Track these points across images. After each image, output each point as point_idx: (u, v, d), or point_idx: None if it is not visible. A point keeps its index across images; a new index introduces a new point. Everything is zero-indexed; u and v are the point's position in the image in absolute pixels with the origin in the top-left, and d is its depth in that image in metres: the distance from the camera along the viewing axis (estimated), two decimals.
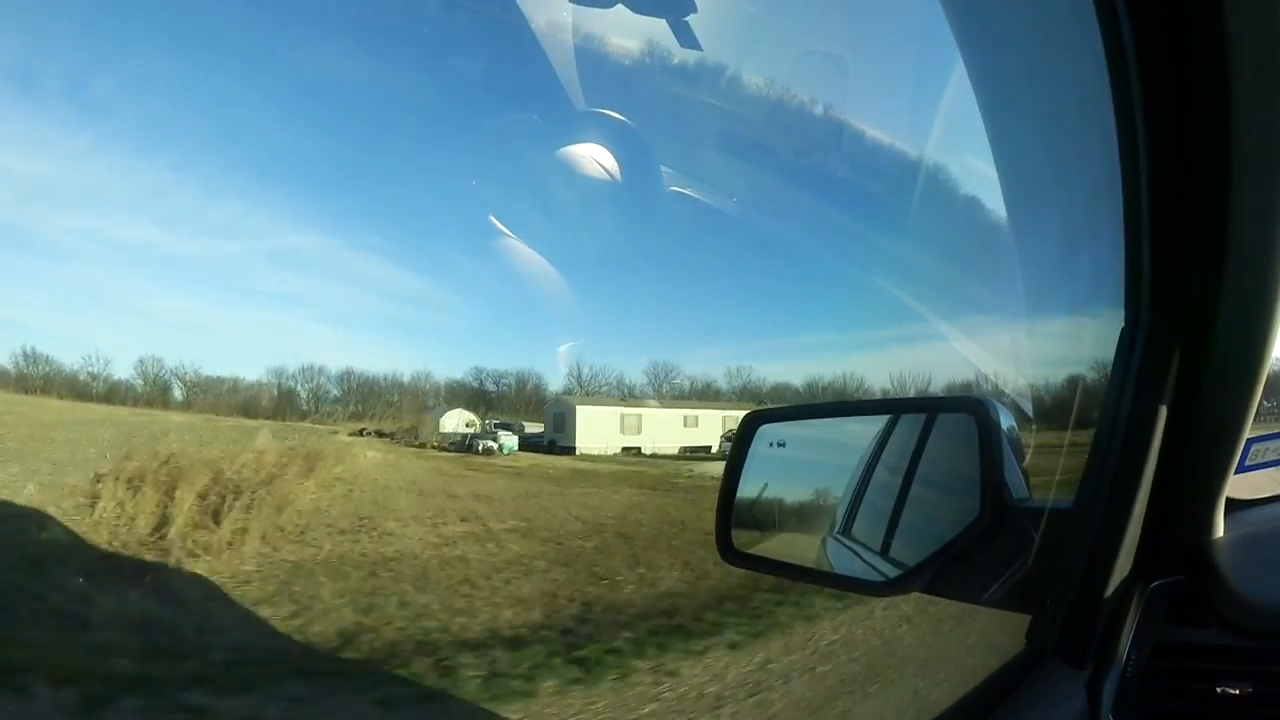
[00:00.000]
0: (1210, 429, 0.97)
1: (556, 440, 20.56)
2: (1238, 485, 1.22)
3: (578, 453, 20.06)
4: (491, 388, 22.23)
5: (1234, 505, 1.20)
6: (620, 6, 3.16)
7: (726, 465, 1.04)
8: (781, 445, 1.05)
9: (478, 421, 20.26)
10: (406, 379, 22.02)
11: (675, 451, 20.60)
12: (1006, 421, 1.01)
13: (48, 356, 18.01)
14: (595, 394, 22.21)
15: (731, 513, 1.03)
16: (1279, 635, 0.98)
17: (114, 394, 18.91)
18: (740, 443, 1.04)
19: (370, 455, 14.92)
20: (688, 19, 3.05)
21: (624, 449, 20.81)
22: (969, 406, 0.98)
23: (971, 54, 1.08)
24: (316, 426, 19.73)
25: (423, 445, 18.21)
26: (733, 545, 1.03)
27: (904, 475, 1.13)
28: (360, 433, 18.91)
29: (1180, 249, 0.91)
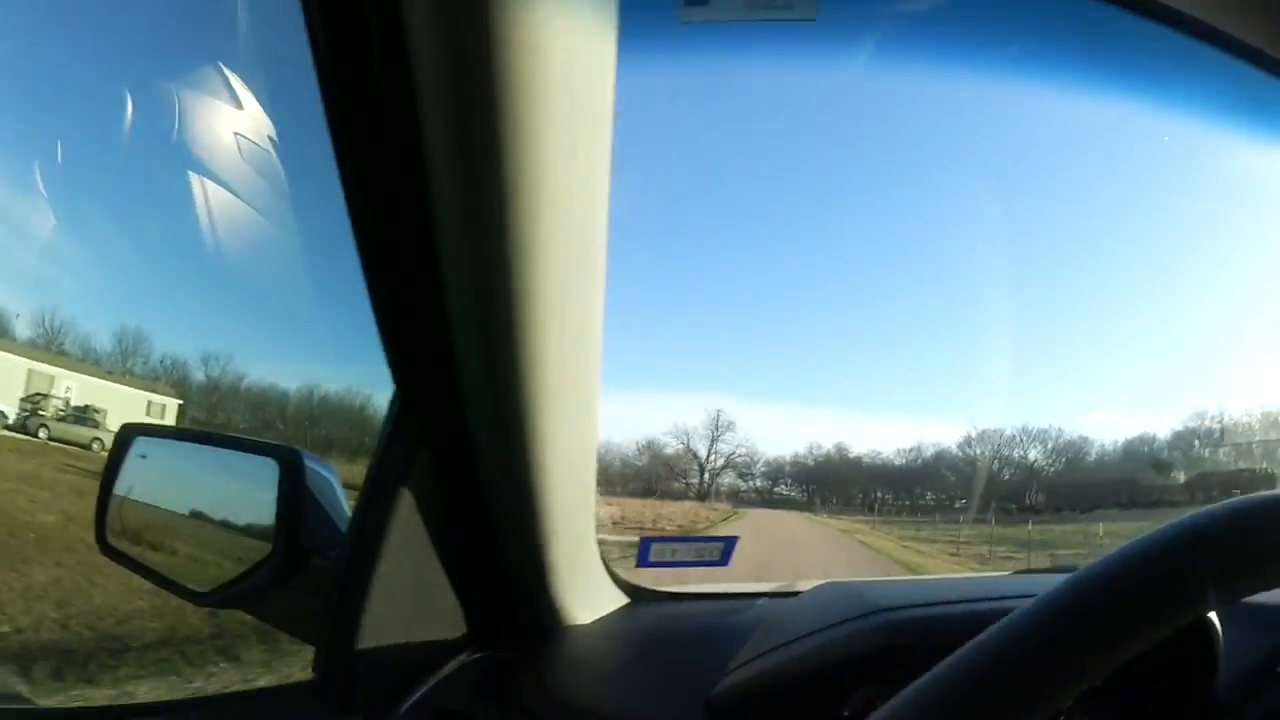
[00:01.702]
0: (496, 514, 0.93)
1: None
2: (657, 578, 1.18)
3: None
4: None
5: (648, 596, 1.15)
6: None
7: (106, 465, 1.12)
8: (144, 458, 1.10)
9: None
10: None
11: None
12: (324, 472, 1.02)
13: None
14: None
15: (107, 509, 1.11)
16: None
17: None
18: (117, 449, 1.11)
19: None
20: None
21: None
22: (277, 454, 0.99)
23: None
24: None
25: None
26: (107, 538, 1.11)
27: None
28: None
29: (399, 307, 0.76)
